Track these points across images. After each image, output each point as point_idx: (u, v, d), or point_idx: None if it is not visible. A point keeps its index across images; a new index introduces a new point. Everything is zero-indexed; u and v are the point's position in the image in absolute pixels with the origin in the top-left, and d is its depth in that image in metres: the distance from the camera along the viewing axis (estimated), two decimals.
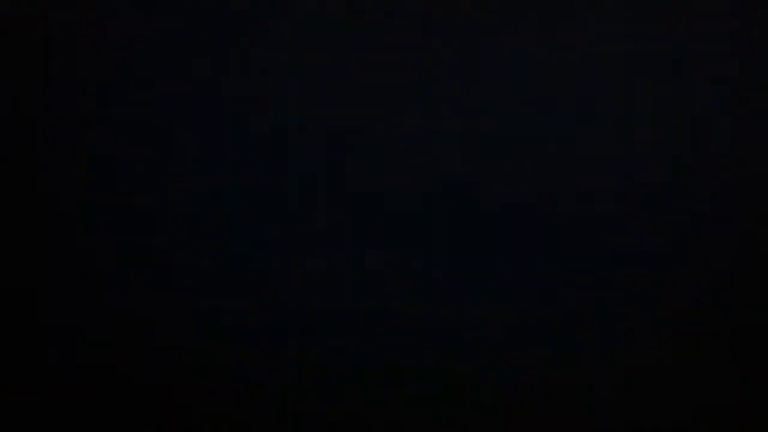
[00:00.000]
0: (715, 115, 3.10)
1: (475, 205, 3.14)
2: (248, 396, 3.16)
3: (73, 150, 3.22)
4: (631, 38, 3.13)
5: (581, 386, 3.09)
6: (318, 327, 3.16)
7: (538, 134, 3.14)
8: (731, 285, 3.08)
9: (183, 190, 3.20)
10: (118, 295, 3.20)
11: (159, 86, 3.21)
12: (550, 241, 3.11)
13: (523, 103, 3.14)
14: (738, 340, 3.07)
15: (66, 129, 3.23)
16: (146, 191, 3.20)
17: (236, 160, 3.19)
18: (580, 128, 3.14)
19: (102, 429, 3.19)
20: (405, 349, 3.14)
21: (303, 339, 3.16)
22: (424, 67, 3.16)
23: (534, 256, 3.12)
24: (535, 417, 3.10)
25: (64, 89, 3.23)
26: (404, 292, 3.14)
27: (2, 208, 3.23)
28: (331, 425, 3.14)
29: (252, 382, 3.16)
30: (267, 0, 3.19)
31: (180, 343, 3.18)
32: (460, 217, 3.15)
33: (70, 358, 3.20)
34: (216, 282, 3.18)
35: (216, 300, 3.18)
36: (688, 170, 3.11)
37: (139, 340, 3.19)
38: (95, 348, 3.20)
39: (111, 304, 3.20)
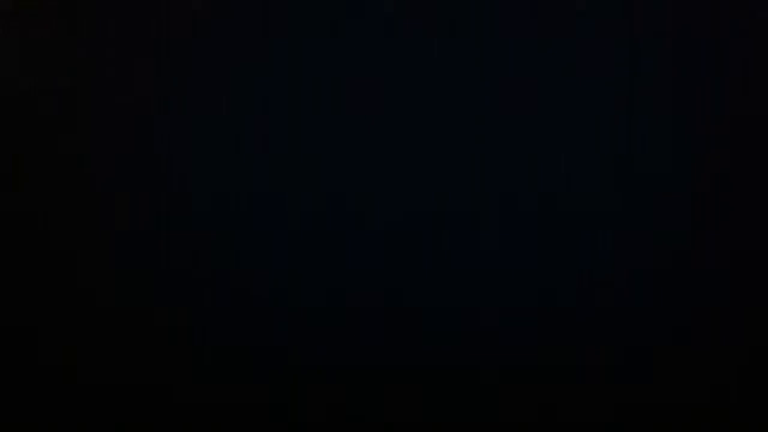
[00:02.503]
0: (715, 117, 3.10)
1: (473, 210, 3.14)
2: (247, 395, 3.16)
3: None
4: (630, 37, 3.12)
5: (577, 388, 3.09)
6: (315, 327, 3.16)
7: (536, 133, 3.13)
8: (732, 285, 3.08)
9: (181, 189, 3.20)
10: (115, 296, 3.20)
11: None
12: (550, 241, 3.11)
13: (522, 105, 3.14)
14: (738, 340, 3.07)
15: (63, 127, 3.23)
16: (145, 188, 3.20)
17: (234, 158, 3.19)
18: (579, 127, 3.14)
19: (101, 429, 3.19)
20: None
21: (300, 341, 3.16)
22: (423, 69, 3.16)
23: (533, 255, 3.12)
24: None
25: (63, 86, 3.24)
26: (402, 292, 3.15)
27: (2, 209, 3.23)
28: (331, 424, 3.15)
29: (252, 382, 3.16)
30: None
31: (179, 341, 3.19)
32: (461, 219, 3.14)
33: (66, 356, 3.20)
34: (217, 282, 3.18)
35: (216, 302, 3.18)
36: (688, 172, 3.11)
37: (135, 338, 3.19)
38: (92, 347, 3.20)
39: (109, 304, 3.21)
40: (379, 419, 3.14)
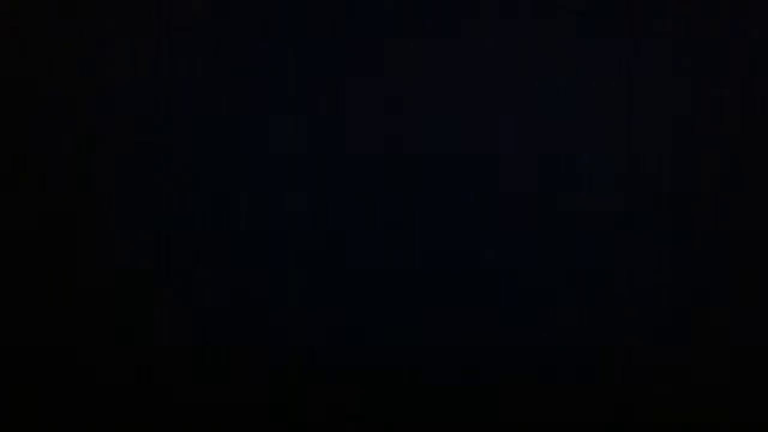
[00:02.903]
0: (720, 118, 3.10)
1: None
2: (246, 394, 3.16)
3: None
4: (632, 42, 3.12)
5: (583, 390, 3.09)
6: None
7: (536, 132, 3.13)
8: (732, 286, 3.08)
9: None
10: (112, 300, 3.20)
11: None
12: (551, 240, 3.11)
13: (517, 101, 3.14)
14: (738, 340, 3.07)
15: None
16: (148, 191, 3.20)
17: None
18: (580, 131, 3.13)
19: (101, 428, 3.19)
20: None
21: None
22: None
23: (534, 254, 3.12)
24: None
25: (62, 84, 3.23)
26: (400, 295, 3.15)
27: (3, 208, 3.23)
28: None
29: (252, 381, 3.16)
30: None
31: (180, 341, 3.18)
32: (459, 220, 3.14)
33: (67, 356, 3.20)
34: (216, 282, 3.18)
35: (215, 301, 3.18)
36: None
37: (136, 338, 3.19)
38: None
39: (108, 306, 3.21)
40: (380, 419, 3.13)
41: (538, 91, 3.12)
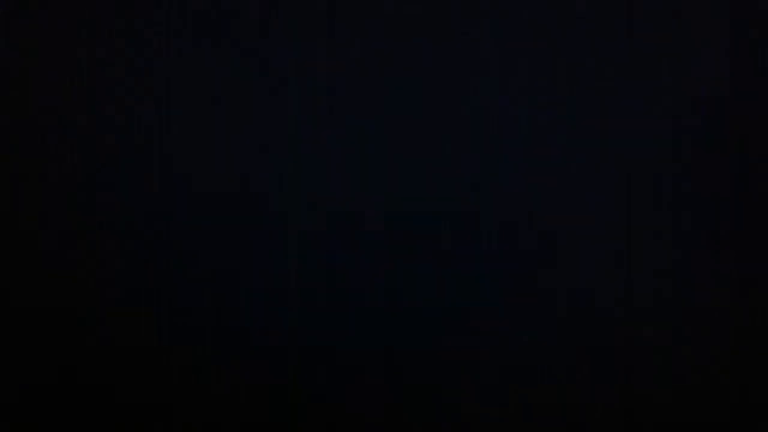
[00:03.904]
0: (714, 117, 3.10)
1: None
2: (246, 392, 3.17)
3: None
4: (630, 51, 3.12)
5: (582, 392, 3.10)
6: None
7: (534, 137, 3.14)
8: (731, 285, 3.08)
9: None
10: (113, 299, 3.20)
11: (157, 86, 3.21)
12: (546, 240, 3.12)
13: (520, 110, 3.14)
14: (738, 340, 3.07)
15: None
16: (148, 194, 3.21)
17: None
18: (578, 133, 3.14)
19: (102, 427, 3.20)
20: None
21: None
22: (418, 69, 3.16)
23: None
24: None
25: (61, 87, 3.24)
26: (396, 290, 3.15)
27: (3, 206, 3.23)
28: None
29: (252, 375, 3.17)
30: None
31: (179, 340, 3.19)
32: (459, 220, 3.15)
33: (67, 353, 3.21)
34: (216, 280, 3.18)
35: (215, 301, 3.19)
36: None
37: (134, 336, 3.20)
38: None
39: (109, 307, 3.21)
40: (379, 418, 3.14)
41: (538, 92, 3.13)
